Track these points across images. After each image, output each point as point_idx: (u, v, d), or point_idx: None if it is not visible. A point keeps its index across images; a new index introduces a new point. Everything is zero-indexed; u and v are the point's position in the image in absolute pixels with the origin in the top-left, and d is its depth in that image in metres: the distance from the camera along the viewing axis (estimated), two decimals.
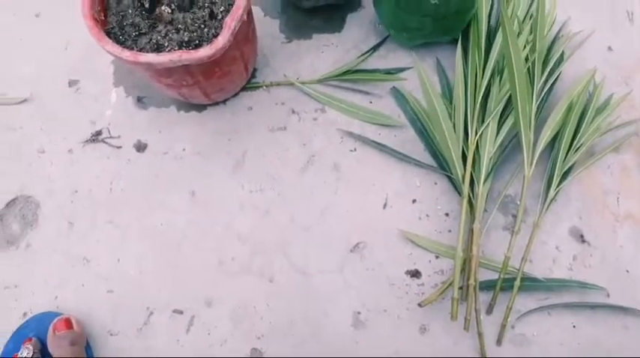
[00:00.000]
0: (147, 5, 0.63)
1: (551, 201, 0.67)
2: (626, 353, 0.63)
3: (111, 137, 0.76)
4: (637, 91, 0.72)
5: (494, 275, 0.66)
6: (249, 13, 0.63)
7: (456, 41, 0.74)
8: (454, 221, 0.69)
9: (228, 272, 0.70)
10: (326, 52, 0.78)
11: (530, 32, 0.68)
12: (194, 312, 0.68)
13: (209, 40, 0.60)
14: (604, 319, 0.65)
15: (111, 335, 0.68)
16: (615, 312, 0.64)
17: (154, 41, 0.60)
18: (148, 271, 0.70)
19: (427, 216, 0.70)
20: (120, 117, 0.77)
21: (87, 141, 0.76)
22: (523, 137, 0.64)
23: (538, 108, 0.68)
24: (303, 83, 0.76)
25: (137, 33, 0.61)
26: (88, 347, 0.67)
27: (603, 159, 0.70)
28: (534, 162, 0.65)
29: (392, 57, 0.77)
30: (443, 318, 0.66)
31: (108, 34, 0.60)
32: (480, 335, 0.64)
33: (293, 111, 0.76)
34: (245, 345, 0.67)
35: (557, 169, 0.66)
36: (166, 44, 0.60)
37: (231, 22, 0.57)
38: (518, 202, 0.68)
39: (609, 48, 0.75)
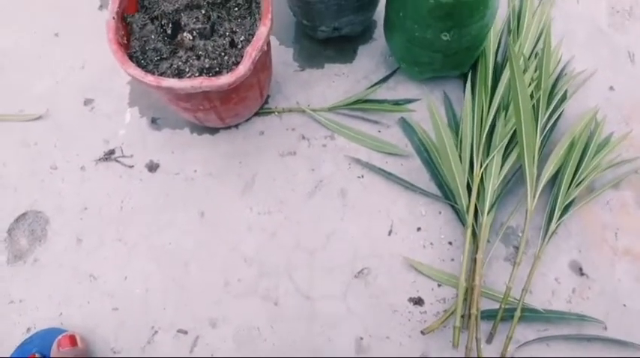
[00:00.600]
0: (169, 31, 0.65)
1: (552, 234, 0.68)
2: None
3: (123, 156, 0.78)
4: (637, 131, 0.75)
5: (495, 305, 0.67)
6: (268, 42, 0.66)
7: (464, 76, 0.77)
8: (457, 250, 0.71)
9: (233, 293, 0.71)
10: (337, 82, 0.81)
11: (536, 70, 0.71)
12: (198, 332, 0.69)
13: (229, 68, 0.62)
14: (600, 351, 0.66)
15: (114, 353, 0.69)
16: (612, 345, 0.66)
17: (175, 66, 0.62)
18: (154, 290, 0.71)
19: (431, 244, 0.71)
20: (133, 137, 0.79)
21: (100, 159, 0.78)
22: (527, 171, 0.66)
23: (541, 143, 0.70)
24: (314, 110, 0.78)
25: (159, 58, 0.63)
26: None
27: (603, 195, 0.72)
28: (537, 195, 0.67)
29: (400, 88, 0.79)
30: (444, 346, 0.67)
31: (130, 57, 0.62)
32: None
33: (303, 137, 0.78)
34: None
35: (558, 203, 0.69)
36: (187, 70, 0.62)
37: (252, 52, 0.60)
38: (520, 234, 0.70)
39: (611, 87, 0.78)
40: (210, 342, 0.69)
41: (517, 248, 0.69)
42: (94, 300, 0.71)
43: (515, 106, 0.64)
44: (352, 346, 0.68)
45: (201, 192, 0.75)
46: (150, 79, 0.58)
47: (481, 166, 0.69)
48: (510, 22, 0.79)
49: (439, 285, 0.70)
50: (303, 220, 0.73)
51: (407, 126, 0.76)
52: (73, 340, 0.66)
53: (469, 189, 0.69)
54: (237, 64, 0.63)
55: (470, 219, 0.67)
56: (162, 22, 0.66)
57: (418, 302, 0.69)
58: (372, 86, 0.78)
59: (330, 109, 0.78)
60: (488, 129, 0.70)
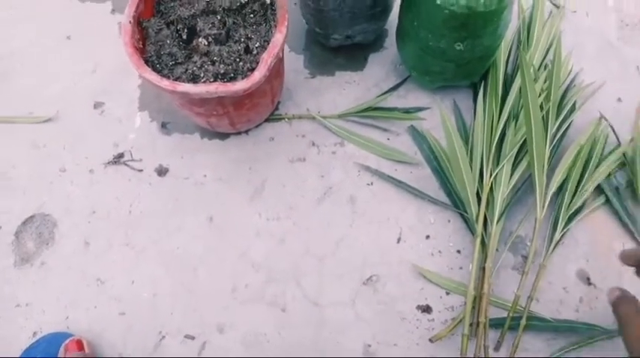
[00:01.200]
0: (184, 37, 0.66)
1: (557, 243, 0.69)
2: None
3: (133, 160, 0.78)
4: None
5: (504, 314, 0.68)
6: (282, 49, 0.66)
7: (474, 85, 0.78)
8: (465, 258, 0.71)
9: (241, 299, 0.70)
10: (347, 89, 0.81)
11: (545, 81, 0.72)
12: (206, 338, 0.69)
13: (243, 74, 0.63)
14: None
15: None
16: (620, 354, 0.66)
17: (190, 71, 0.62)
18: (162, 295, 0.71)
19: (440, 252, 0.72)
20: (143, 141, 0.79)
21: (109, 162, 0.78)
22: (537, 180, 0.67)
23: (551, 153, 0.71)
24: (324, 117, 0.78)
25: (174, 62, 0.64)
26: None
27: (610, 204, 0.72)
28: (546, 205, 0.68)
29: (411, 97, 0.80)
30: (452, 354, 0.67)
31: (146, 62, 0.63)
32: None
33: (313, 144, 0.78)
34: None
35: (562, 213, 0.69)
36: (202, 75, 0.62)
37: (268, 59, 0.60)
38: (528, 243, 0.70)
39: (619, 99, 0.79)
40: (217, 348, 0.68)
41: (525, 257, 0.70)
42: (101, 304, 0.70)
43: (525, 116, 0.65)
44: (360, 352, 0.68)
45: (210, 197, 0.75)
46: (165, 83, 0.58)
47: (491, 175, 0.69)
48: (521, 33, 0.80)
49: (447, 293, 0.70)
50: (312, 226, 0.73)
51: (417, 134, 0.77)
52: (80, 345, 0.65)
53: (478, 197, 0.69)
54: (251, 70, 0.63)
55: (479, 227, 0.68)
56: (178, 27, 0.66)
57: (426, 309, 0.69)
58: (383, 94, 0.79)
59: (340, 116, 0.79)
60: (498, 139, 0.71)
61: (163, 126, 0.80)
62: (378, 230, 0.73)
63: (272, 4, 0.68)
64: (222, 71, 0.62)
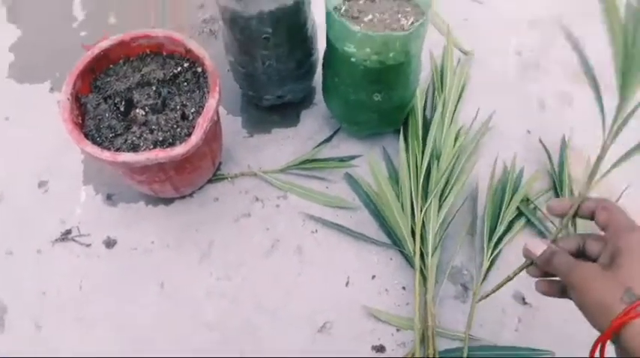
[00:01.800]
0: (122, 109, 0.69)
1: (489, 268, 0.73)
2: None
3: (80, 235, 0.78)
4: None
5: (454, 344, 0.70)
6: (217, 113, 0.71)
7: (398, 131, 0.85)
8: (411, 293, 0.74)
9: None
10: (285, 144, 0.86)
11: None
12: None
13: (181, 139, 0.67)
14: None
15: None
16: None
17: (130, 141, 0.65)
18: None
19: (386, 290, 0.75)
20: (89, 215, 0.80)
21: (56, 240, 0.78)
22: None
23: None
24: (265, 173, 0.83)
25: (113, 134, 0.67)
26: None
27: (534, 228, 0.78)
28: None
29: (343, 146, 0.86)
30: None
31: (86, 136, 0.65)
32: None
33: (257, 199, 0.81)
34: None
35: (489, 239, 0.74)
36: (141, 144, 0.66)
37: (203, 123, 0.64)
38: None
39: (528, 131, 0.87)
40: None
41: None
42: None
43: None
44: None
45: (159, 264, 0.76)
46: (106, 155, 0.61)
47: (421, 211, 0.74)
48: (434, 80, 0.88)
49: (398, 330, 0.72)
50: (262, 281, 0.75)
51: (352, 181, 0.82)
52: None
53: (414, 233, 0.74)
54: (189, 134, 0.67)
55: (417, 262, 0.72)
56: (115, 101, 0.70)
57: (380, 349, 0.71)
58: (317, 146, 0.84)
59: (281, 171, 0.83)
60: (424, 177, 0.77)
61: (109, 197, 0.81)
62: (327, 276, 0.76)
63: (204, 72, 0.73)
64: (160, 138, 0.66)
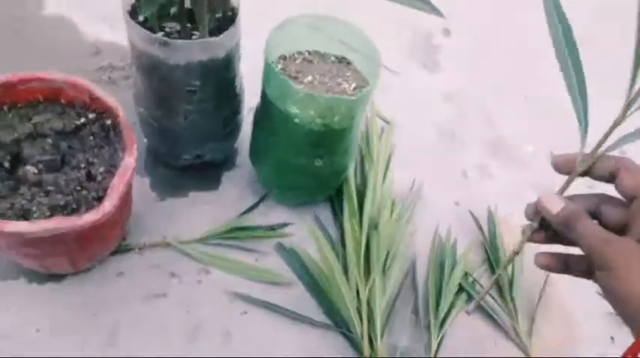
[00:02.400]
0: (7, 165, 0.54)
1: (436, 352, 0.68)
2: None
3: None
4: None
5: None
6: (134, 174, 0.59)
7: (330, 198, 0.79)
8: None
9: None
10: (204, 210, 0.75)
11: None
12: None
13: (89, 204, 0.53)
14: None
15: None
16: None
17: (19, 206, 0.51)
18: None
19: None
20: None
21: None
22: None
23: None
24: (182, 243, 0.70)
25: None
26: None
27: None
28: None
29: (272, 214, 0.77)
30: None
31: None
32: None
33: (172, 275, 0.68)
34: None
35: (431, 322, 0.69)
36: (34, 209, 0.51)
37: (119, 185, 0.52)
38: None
39: (456, 203, 0.87)
40: None
41: None
42: None
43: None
44: None
45: None
46: None
47: (365, 287, 0.68)
48: (361, 148, 0.85)
49: None
50: None
51: (285, 252, 0.73)
52: None
53: (359, 313, 0.67)
54: (98, 199, 0.54)
55: (366, 348, 0.64)
56: None
57: None
58: (245, 212, 0.75)
59: (201, 240, 0.71)
60: (364, 251, 0.71)
61: None
62: None
63: (114, 125, 0.61)
64: (61, 203, 0.52)
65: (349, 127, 0.65)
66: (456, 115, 1.01)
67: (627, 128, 0.46)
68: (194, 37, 0.62)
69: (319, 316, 0.69)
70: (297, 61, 0.70)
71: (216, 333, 0.65)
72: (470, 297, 0.74)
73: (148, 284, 0.67)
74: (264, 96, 0.66)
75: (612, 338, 0.76)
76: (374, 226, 0.74)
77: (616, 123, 0.45)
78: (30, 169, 0.55)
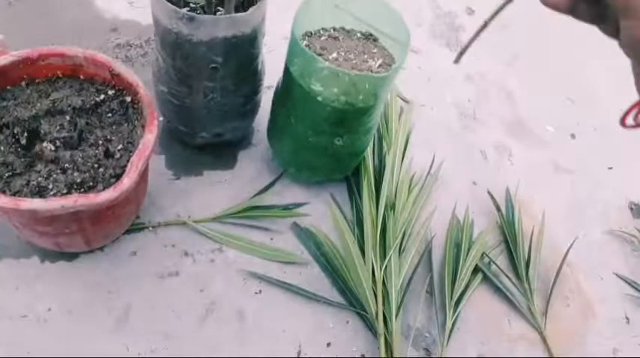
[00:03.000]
0: (23, 142, 0.53)
1: (451, 331, 0.68)
2: None
3: None
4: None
5: None
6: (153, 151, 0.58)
7: (346, 178, 0.78)
8: None
9: None
10: (219, 189, 0.74)
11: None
12: None
13: (106, 181, 0.53)
14: None
15: None
16: None
17: (35, 183, 0.50)
18: None
19: None
20: None
21: None
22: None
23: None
24: (196, 222, 0.70)
25: (10, 173, 0.51)
26: None
27: (491, 283, 0.75)
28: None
29: (287, 193, 0.76)
30: None
31: None
32: None
33: (186, 254, 0.68)
34: None
35: (447, 300, 0.69)
36: (50, 186, 0.50)
37: (138, 162, 0.51)
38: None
39: (474, 182, 0.86)
40: None
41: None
42: None
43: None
44: None
45: (59, 337, 0.59)
46: (4, 200, 0.45)
47: (380, 268, 0.67)
48: (380, 127, 0.83)
49: None
50: (196, 353, 0.62)
51: (301, 232, 0.72)
52: None
53: (375, 293, 0.66)
54: (116, 176, 0.53)
55: (381, 327, 0.64)
56: (15, 131, 0.54)
57: None
58: (260, 191, 0.74)
59: (215, 219, 0.71)
60: (381, 230, 0.70)
61: None
62: (274, 345, 0.64)
63: (134, 102, 0.60)
64: (78, 180, 0.51)
65: (373, 106, 0.63)
66: (476, 95, 0.99)
67: None
68: (219, 12, 0.60)
69: (334, 295, 0.68)
70: (323, 38, 0.68)
71: (229, 312, 0.65)
72: (485, 277, 0.73)
73: (162, 262, 0.67)
74: (286, 73, 0.64)
75: (627, 318, 0.75)
76: (391, 206, 0.73)
77: None
78: (47, 146, 0.54)
